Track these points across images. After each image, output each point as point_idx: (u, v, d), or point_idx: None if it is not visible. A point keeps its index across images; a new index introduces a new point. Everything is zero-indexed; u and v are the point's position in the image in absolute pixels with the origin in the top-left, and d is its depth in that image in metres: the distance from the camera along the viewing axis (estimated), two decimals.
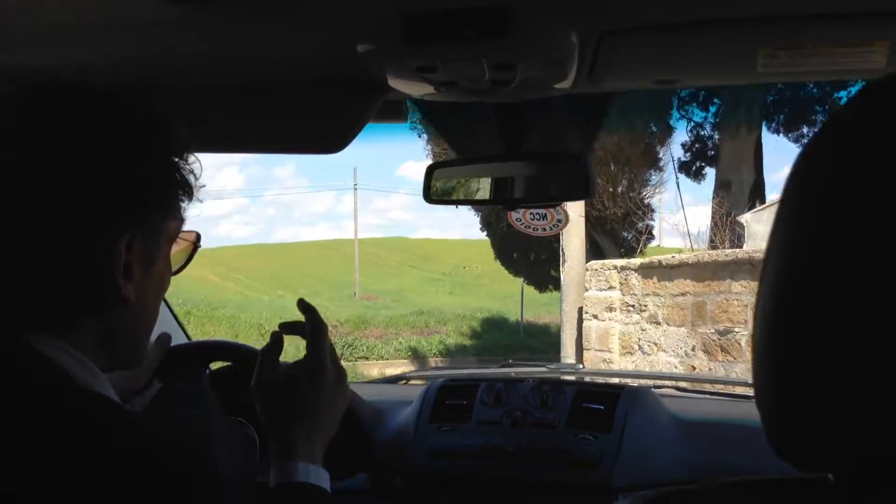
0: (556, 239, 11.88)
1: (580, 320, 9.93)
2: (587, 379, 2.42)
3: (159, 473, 0.78)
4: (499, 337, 21.30)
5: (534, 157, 1.60)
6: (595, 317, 9.35)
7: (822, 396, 0.52)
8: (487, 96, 1.40)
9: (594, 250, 13.33)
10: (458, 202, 1.65)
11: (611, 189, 13.98)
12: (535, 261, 16.88)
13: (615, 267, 9.22)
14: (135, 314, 0.92)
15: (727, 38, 1.20)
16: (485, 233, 17.52)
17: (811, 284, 0.52)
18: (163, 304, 2.22)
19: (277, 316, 17.93)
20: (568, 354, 10.54)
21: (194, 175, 0.96)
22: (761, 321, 0.57)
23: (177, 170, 0.93)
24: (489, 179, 1.63)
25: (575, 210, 10.85)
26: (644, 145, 13.75)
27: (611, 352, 9.13)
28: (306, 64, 1.34)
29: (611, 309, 9.14)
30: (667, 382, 2.41)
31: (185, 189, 0.95)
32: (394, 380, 2.60)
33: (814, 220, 0.53)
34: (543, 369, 2.48)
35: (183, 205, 0.96)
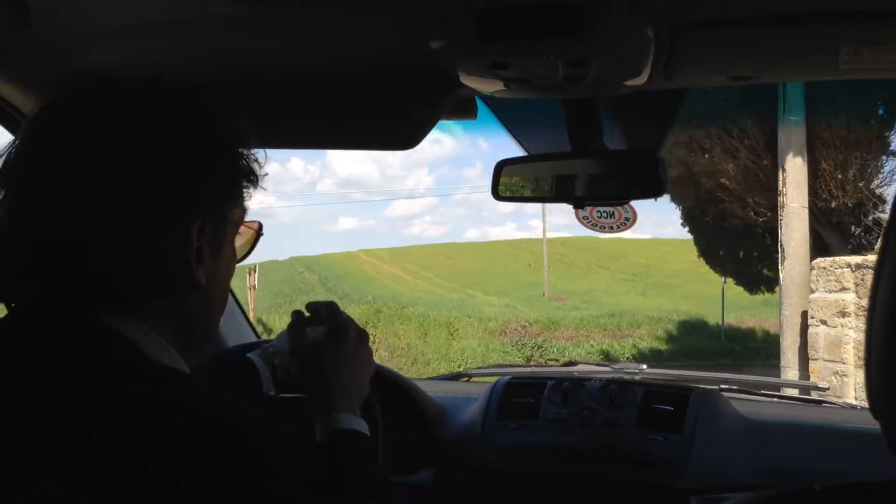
0: (771, 234, 10.40)
1: (804, 326, 8.73)
2: (652, 380, 2.39)
3: (245, 445, 0.83)
4: (697, 341, 19.73)
5: (604, 154, 1.58)
6: (823, 322, 8.13)
7: None
8: (559, 93, 1.39)
9: (818, 246, 11.11)
10: (527, 199, 1.65)
11: (839, 175, 11.25)
12: (744, 259, 14.62)
13: (849, 265, 7.90)
14: (206, 298, 0.96)
15: (807, 34, 1.17)
16: (686, 228, 15.18)
17: None
18: (235, 305, 2.28)
19: (466, 315, 18.14)
20: (789, 364, 9.38)
21: (258, 164, 1.00)
22: (879, 331, 0.55)
23: (241, 159, 0.97)
24: (557, 176, 1.63)
25: (797, 200, 9.59)
26: (877, 127, 11.17)
27: (844, 363, 7.92)
28: (379, 60, 1.36)
29: (843, 314, 7.89)
30: (735, 385, 2.35)
31: (251, 178, 0.99)
32: (456, 377, 2.60)
33: None
34: (608, 369, 2.45)
35: (247, 192, 1.00)
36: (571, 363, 2.58)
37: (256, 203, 1.02)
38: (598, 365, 2.59)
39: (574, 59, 1.18)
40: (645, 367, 2.49)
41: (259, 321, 17.09)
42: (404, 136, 1.41)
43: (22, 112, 1.43)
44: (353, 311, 17.15)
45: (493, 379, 2.08)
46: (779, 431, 1.86)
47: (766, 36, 1.19)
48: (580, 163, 1.61)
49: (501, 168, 1.62)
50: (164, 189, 0.88)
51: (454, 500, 1.86)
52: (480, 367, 2.57)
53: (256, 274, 17.16)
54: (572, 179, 1.62)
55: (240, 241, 1.06)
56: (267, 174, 1.02)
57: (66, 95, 0.91)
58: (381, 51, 1.32)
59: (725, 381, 2.34)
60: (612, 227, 2.16)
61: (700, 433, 1.74)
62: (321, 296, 23.10)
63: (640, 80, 1.28)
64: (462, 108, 1.52)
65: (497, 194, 1.63)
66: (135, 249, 0.87)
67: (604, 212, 2.09)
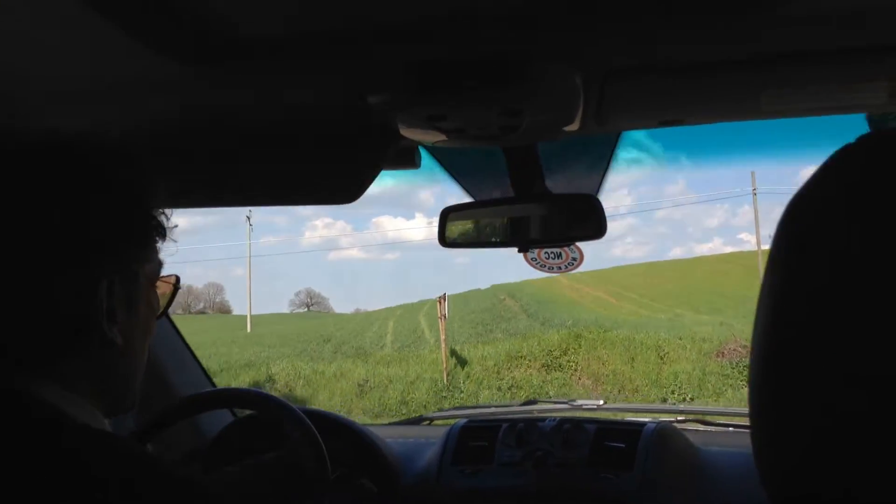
0: None
1: None
2: (609, 416, 2.41)
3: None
4: None
5: (546, 198, 1.62)
6: None
7: (815, 434, 0.54)
8: (497, 141, 1.42)
9: None
10: (473, 244, 1.68)
11: None
12: None
13: None
14: (124, 356, 0.95)
15: (730, 78, 1.21)
16: None
17: (800, 321, 0.54)
18: (185, 347, 2.26)
19: (676, 337, 17.19)
20: None
21: (166, 217, 1.00)
22: (756, 353, 0.58)
23: (148, 214, 0.96)
24: (503, 221, 1.65)
25: None
26: None
27: None
28: (318, 116, 1.38)
29: None
30: (690, 417, 2.38)
31: (159, 231, 0.98)
32: (416, 421, 2.60)
33: (804, 259, 0.55)
34: (565, 406, 2.46)
35: (158, 246, 0.99)
36: (531, 402, 2.59)
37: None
38: (556, 402, 2.59)
39: (508, 109, 1.21)
40: (603, 402, 2.51)
41: (453, 352, 17.06)
42: (346, 189, 1.43)
43: None
44: (553, 338, 17.24)
45: (452, 422, 2.08)
46: (734, 462, 1.87)
47: (691, 82, 1.23)
48: (524, 207, 1.64)
49: (447, 215, 1.65)
50: (62, 245, 0.87)
51: None
52: (440, 411, 2.56)
53: (446, 303, 16.85)
54: (518, 223, 1.65)
55: (158, 294, 1.04)
56: (176, 226, 1.02)
57: None
58: (321, 106, 1.34)
59: (682, 413, 2.36)
60: (559, 268, 2.19)
61: (651, 469, 1.76)
62: (523, 323, 22.86)
63: (573, 126, 1.32)
64: (404, 158, 1.54)
65: (444, 241, 1.65)
66: (37, 307, 0.86)
67: (551, 252, 2.12)
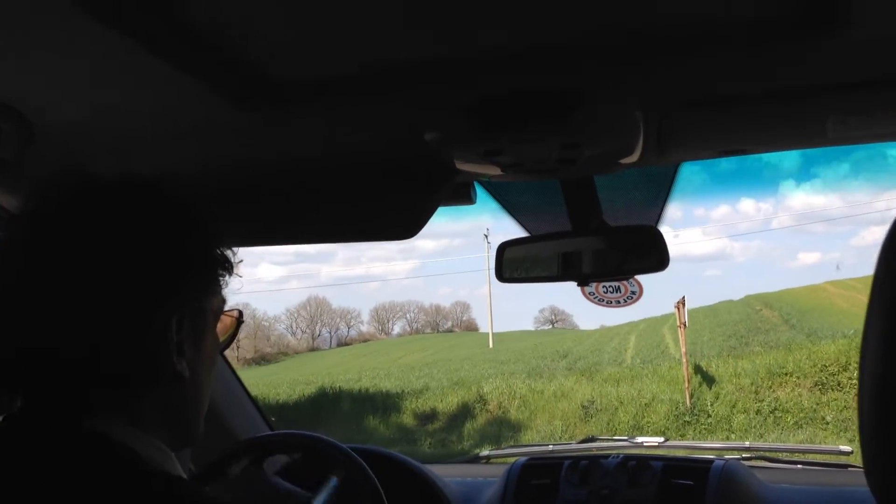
0: None
1: None
2: (673, 453, 2.35)
3: None
4: None
5: (604, 231, 1.60)
6: None
7: None
8: (554, 175, 1.41)
9: None
10: (531, 279, 1.66)
11: None
12: None
13: None
14: (190, 390, 0.96)
15: (794, 106, 1.19)
16: None
17: None
18: (242, 388, 2.27)
19: None
20: None
21: (233, 252, 1.02)
22: (870, 390, 0.56)
23: (216, 250, 0.99)
24: (561, 254, 1.64)
25: None
26: None
27: None
28: (375, 154, 1.39)
29: None
30: (756, 454, 2.31)
31: (226, 267, 1.00)
32: (474, 459, 2.57)
33: None
34: (626, 444, 2.41)
35: (224, 282, 1.01)
36: (590, 439, 2.55)
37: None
38: (616, 440, 2.54)
39: (566, 143, 1.21)
40: (664, 439, 2.45)
41: (697, 369, 14.81)
42: (405, 225, 1.43)
43: None
44: (828, 350, 14.14)
45: (511, 460, 2.05)
46: (803, 500, 1.82)
47: (753, 111, 1.21)
48: (581, 240, 1.62)
49: (504, 250, 1.64)
50: (143, 285, 0.89)
51: None
52: (498, 449, 2.53)
53: (685, 309, 14.14)
54: (575, 257, 1.64)
55: (221, 330, 1.06)
56: (241, 261, 1.03)
57: (45, 199, 0.92)
58: (378, 144, 1.35)
59: (748, 451, 2.30)
60: (618, 301, 2.16)
61: None
62: (784, 334, 19.66)
63: (632, 159, 1.30)
64: (461, 194, 1.55)
65: (501, 276, 1.64)
66: (114, 345, 0.87)
67: (609, 286, 2.10)
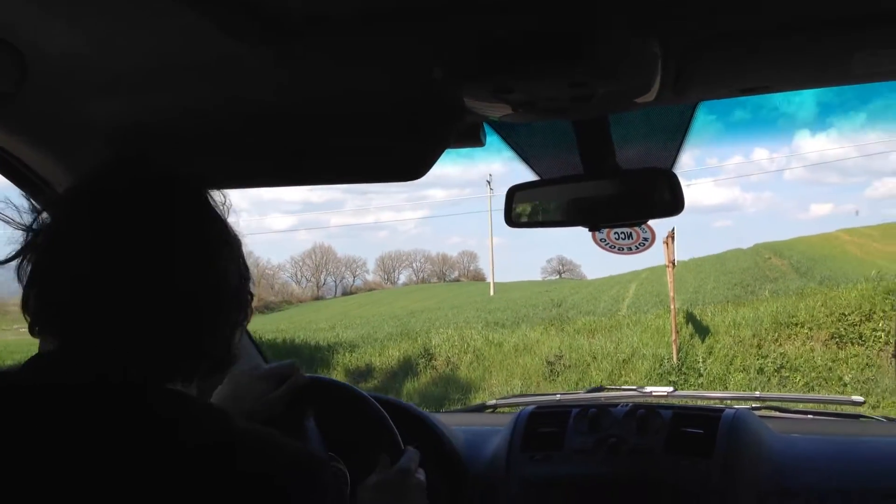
0: None
1: None
2: (682, 403, 2.34)
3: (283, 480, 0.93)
4: None
5: (618, 174, 1.55)
6: None
7: None
8: (567, 115, 1.37)
9: None
10: (541, 224, 1.62)
11: None
12: None
13: None
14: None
15: (818, 42, 1.14)
16: None
17: None
18: (247, 336, 2.26)
19: None
20: None
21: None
22: None
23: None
24: (572, 199, 1.60)
25: None
26: None
27: None
28: (383, 93, 1.34)
29: None
30: (766, 403, 2.29)
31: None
32: (479, 408, 2.56)
33: None
34: (634, 393, 2.39)
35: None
36: (598, 389, 2.53)
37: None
38: (625, 389, 2.53)
39: (580, 80, 1.16)
40: (673, 389, 2.44)
41: (690, 318, 12.82)
42: (412, 166, 1.39)
43: (22, 161, 1.43)
44: (847, 296, 11.92)
45: (517, 409, 2.03)
46: (813, 449, 1.80)
47: (775, 47, 1.16)
48: (594, 184, 1.58)
49: (514, 194, 1.60)
50: (217, 273, 1.01)
51: None
52: (504, 397, 2.52)
53: (675, 242, 11.92)
54: (587, 202, 1.59)
55: None
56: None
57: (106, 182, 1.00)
58: (386, 82, 1.31)
59: (759, 401, 2.28)
60: (630, 248, 2.12)
61: (731, 455, 1.69)
62: (794, 282, 17.51)
63: (648, 97, 1.25)
64: (470, 135, 1.50)
65: (510, 221, 1.60)
66: (207, 340, 1.01)
67: (621, 233, 2.05)
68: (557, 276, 66.07)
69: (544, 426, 1.87)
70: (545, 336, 13.60)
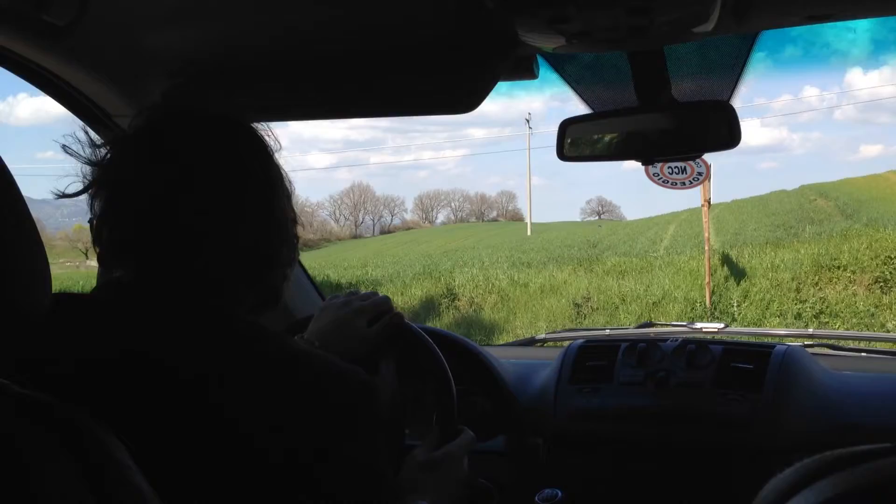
0: None
1: None
2: (732, 339, 2.33)
3: (333, 395, 0.99)
4: None
5: (673, 107, 1.52)
6: None
7: None
8: (623, 45, 1.34)
9: None
10: (594, 158, 1.60)
11: None
12: None
13: None
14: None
15: None
16: None
17: None
18: (303, 273, 2.30)
19: None
20: None
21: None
22: None
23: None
24: (626, 132, 1.57)
25: None
26: None
27: None
28: (436, 22, 1.33)
29: None
30: (819, 341, 2.27)
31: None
32: (529, 342, 2.58)
33: None
34: (685, 329, 2.39)
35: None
36: (647, 324, 2.53)
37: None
38: (675, 325, 2.52)
39: (637, 7, 1.13)
40: (724, 325, 2.43)
41: (726, 260, 12.36)
42: (464, 99, 1.39)
43: (81, 91, 1.46)
44: (893, 236, 11.48)
45: (566, 343, 2.05)
46: (866, 386, 1.78)
47: None
48: (648, 117, 1.55)
49: (566, 127, 1.58)
50: (263, 197, 1.07)
51: (528, 466, 1.85)
52: (552, 332, 2.53)
53: (711, 183, 9.75)
54: (641, 135, 1.57)
55: None
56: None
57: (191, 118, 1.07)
58: (437, 12, 1.29)
59: (811, 337, 2.26)
60: (684, 183, 2.09)
61: (781, 391, 1.68)
62: (839, 224, 16.79)
63: (707, 27, 1.21)
64: (522, 68, 1.48)
65: (562, 155, 1.59)
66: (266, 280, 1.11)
67: (675, 167, 2.02)
68: (597, 217, 65.81)
69: (593, 360, 1.89)
70: (573, 277, 13.27)
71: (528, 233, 34.99)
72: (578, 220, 64.77)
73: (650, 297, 11.54)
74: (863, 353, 2.17)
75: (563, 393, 1.84)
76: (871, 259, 11.14)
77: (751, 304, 10.66)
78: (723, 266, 12.06)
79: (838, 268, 11.17)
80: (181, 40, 1.38)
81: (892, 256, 11.10)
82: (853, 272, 11.00)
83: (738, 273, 11.75)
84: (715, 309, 10.58)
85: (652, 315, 10.74)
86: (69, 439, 0.69)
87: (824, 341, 2.28)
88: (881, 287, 10.65)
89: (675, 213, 28.03)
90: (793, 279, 11.13)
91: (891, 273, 10.79)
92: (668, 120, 1.53)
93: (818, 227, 17.50)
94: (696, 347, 1.79)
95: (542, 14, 1.16)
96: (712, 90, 1.60)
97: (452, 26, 1.32)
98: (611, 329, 2.36)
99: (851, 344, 2.26)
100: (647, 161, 1.60)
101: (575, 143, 1.58)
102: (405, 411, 1.52)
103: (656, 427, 1.73)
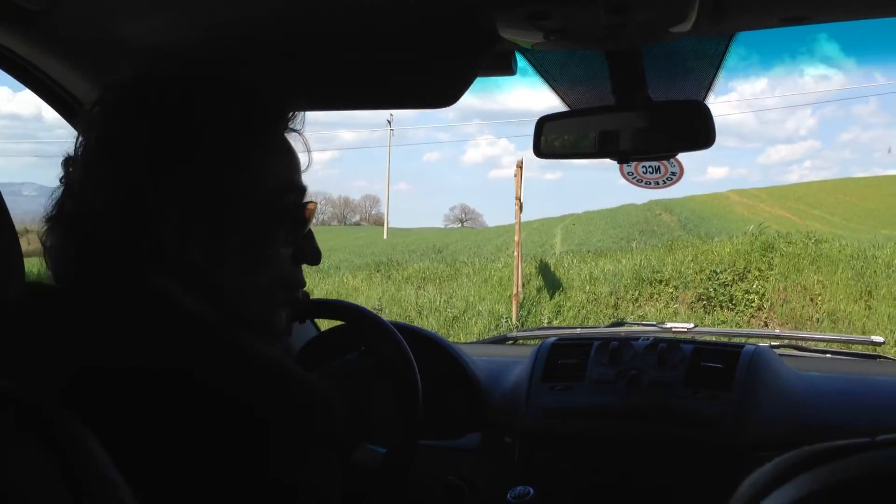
0: None
1: None
2: (702, 338, 2.35)
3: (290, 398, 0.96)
4: None
5: (649, 107, 1.53)
6: None
7: None
8: (601, 44, 1.34)
9: None
10: (569, 156, 1.61)
11: None
12: None
13: None
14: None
15: None
16: None
17: None
18: None
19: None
20: None
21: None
22: None
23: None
24: (602, 131, 1.58)
25: None
26: None
27: None
28: (414, 16, 1.32)
29: None
30: (786, 342, 2.31)
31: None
32: (500, 339, 2.59)
33: None
34: (655, 328, 2.42)
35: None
36: (618, 323, 2.56)
37: None
38: (645, 324, 2.55)
39: (616, 5, 1.13)
40: (694, 325, 2.46)
41: (543, 269, 11.67)
42: (442, 94, 1.38)
43: (52, 77, 1.43)
44: (722, 250, 10.60)
45: (538, 341, 2.05)
46: (832, 387, 1.81)
47: None
48: (624, 116, 1.56)
49: (543, 125, 1.59)
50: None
51: (500, 463, 1.85)
52: (524, 330, 2.54)
53: (523, 176, 10.29)
54: (616, 134, 1.58)
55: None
56: None
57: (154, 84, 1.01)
58: (416, 6, 1.28)
59: (778, 338, 2.29)
60: (657, 183, 2.11)
61: (750, 390, 1.70)
62: (679, 238, 15.67)
63: (685, 27, 1.22)
64: (501, 63, 1.48)
65: (539, 152, 1.59)
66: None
67: (649, 167, 2.04)
68: (460, 224, 66.48)
69: (566, 358, 1.90)
70: (366, 284, 12.52)
71: (385, 236, 35.16)
72: (441, 226, 64.86)
73: (451, 310, 10.81)
74: (828, 355, 2.20)
75: (535, 391, 1.85)
76: (696, 273, 10.58)
77: (563, 321, 9.88)
78: (538, 275, 11.39)
79: (660, 282, 10.58)
80: (155, 29, 1.35)
81: (718, 271, 10.53)
82: (675, 287, 10.42)
83: (553, 285, 11.03)
84: (522, 326, 9.62)
85: (449, 332, 9.98)
86: (37, 426, 0.68)
87: (790, 342, 2.31)
88: (704, 306, 10.11)
89: (528, 223, 27.07)
90: (611, 293, 10.54)
91: (714, 290, 10.21)
92: (644, 119, 1.55)
93: (658, 239, 17.16)
94: (668, 346, 1.80)
95: (522, 10, 1.16)
96: (687, 90, 1.62)
97: (433, 19, 1.32)
98: (581, 328, 2.38)
99: (817, 345, 2.30)
100: (622, 160, 1.61)
101: (551, 140, 1.59)
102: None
103: (628, 425, 1.75)
